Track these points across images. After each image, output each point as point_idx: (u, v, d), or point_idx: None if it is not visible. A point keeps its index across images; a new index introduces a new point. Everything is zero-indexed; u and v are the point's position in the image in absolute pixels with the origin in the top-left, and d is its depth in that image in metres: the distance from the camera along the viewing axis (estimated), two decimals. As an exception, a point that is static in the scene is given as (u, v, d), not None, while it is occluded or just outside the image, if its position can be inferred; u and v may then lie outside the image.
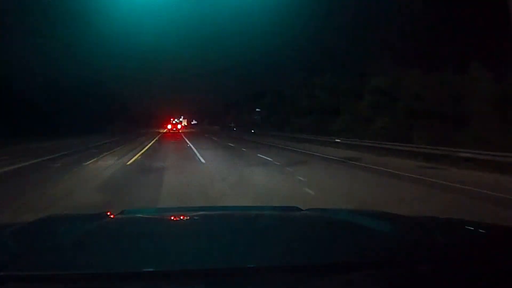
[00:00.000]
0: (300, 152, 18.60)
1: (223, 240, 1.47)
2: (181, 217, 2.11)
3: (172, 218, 2.10)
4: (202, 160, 14.12)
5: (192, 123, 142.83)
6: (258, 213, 2.30)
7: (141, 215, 2.22)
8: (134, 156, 15.87)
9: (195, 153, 17.60)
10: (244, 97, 58.06)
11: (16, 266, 1.11)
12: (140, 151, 19.19)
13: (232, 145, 24.44)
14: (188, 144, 25.73)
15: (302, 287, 1.05)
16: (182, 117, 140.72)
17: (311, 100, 31.04)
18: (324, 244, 1.45)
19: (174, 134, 53.81)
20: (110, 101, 70.00)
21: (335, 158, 15.39)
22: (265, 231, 1.64)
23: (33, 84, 39.99)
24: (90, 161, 13.91)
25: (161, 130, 72.64)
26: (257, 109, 49.39)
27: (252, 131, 44.96)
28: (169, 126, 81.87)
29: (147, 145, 24.91)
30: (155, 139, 33.65)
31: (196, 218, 2.06)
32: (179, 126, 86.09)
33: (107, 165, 12.75)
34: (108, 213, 1.91)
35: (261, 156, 15.91)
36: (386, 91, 22.62)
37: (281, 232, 1.66)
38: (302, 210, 2.08)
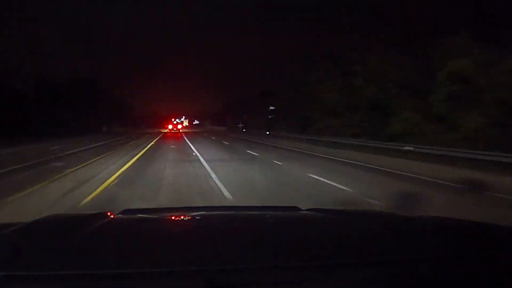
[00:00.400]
0: (372, 168, 11.95)
1: (223, 240, 1.44)
2: (182, 217, 2.07)
3: (172, 218, 2.06)
4: (225, 192, 7.69)
5: (194, 123, 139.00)
6: (258, 213, 2.23)
7: (141, 215, 2.11)
8: (107, 179, 9.51)
9: (207, 172, 10.94)
10: (253, 94, 51.62)
11: (16, 266, 1.09)
12: (123, 166, 12.57)
13: (255, 153, 17.69)
14: (193, 152, 19.13)
15: (302, 287, 1.02)
16: (184, 117, 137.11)
17: (348, 94, 24.62)
18: (324, 244, 1.40)
19: (175, 135, 48.30)
20: (108, 101, 67.08)
21: (444, 182, 9.00)
22: (265, 231, 1.65)
23: (24, 82, 37.11)
24: (24, 192, 7.77)
25: (162, 130, 70.04)
26: (271, 107, 42.86)
27: (267, 132, 38.70)
28: (170, 127, 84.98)
29: (138, 153, 18.36)
30: (151, 144, 27.23)
31: (196, 218, 2.02)
32: (179, 127, 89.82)
33: (43, 206, 6.45)
34: (108, 213, 1.83)
35: (319, 179, 9.46)
36: (470, 79, 16.24)
37: (281, 232, 1.63)
38: (302, 210, 2.03)
